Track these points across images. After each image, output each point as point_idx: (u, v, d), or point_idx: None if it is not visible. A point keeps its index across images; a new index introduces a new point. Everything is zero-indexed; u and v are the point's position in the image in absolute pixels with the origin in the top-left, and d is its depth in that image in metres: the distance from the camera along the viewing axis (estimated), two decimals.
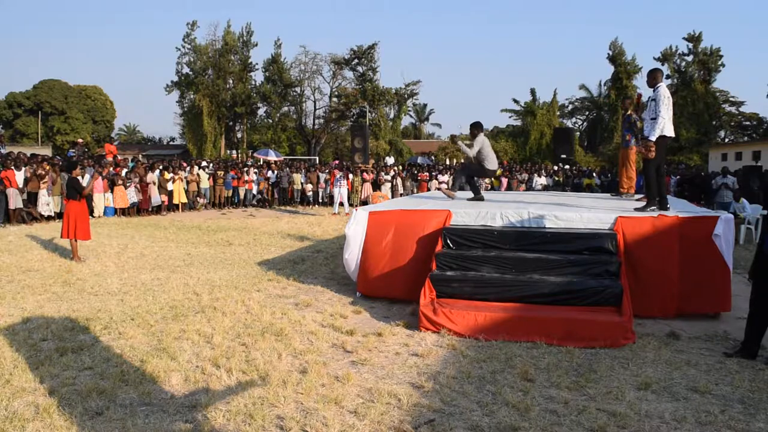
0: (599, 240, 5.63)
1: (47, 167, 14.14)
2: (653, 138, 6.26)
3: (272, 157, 29.91)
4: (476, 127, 8.05)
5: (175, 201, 17.39)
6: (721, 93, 43.00)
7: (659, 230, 5.58)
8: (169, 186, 17.08)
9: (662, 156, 6.55)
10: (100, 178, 14.55)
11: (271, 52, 40.65)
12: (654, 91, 6.39)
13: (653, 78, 6.50)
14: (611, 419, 3.32)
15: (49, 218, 13.77)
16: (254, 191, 20.67)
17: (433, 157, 40.35)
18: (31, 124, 45.49)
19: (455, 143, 7.58)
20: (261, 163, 26.75)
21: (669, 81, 41.03)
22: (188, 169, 18.66)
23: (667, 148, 7.33)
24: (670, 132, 6.36)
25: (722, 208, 12.79)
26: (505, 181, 21.10)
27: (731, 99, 44.47)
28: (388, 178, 20.99)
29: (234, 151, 41.88)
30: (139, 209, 16.04)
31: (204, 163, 21.08)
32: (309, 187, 21.13)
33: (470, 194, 8.38)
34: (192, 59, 38.83)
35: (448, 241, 6.00)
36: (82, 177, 13.28)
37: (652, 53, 64.30)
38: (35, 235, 11.22)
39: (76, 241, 8.55)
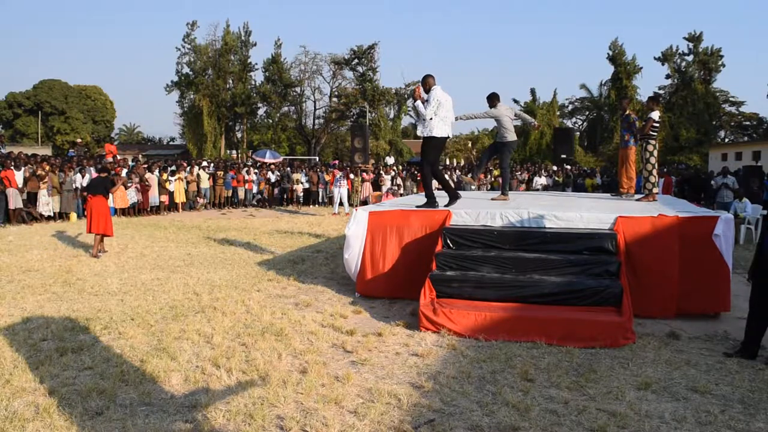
0: (599, 240, 5.63)
1: (47, 167, 14.14)
2: (424, 134, 6.70)
3: (269, 159, 29.83)
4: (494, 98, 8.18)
5: (176, 200, 17.41)
6: (721, 93, 43.02)
7: (659, 230, 5.58)
8: (171, 187, 17.09)
9: (435, 155, 6.91)
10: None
11: (271, 52, 40.75)
12: (429, 93, 6.76)
13: (425, 83, 6.87)
14: (611, 419, 3.32)
15: (49, 218, 13.77)
16: (254, 191, 20.69)
17: None
18: (31, 124, 45.49)
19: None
20: (260, 164, 26.70)
21: (669, 81, 41.18)
22: (188, 169, 18.67)
23: (643, 152, 7.69)
24: (440, 133, 6.72)
25: (722, 208, 12.78)
26: None
27: (731, 99, 44.53)
28: (388, 178, 20.99)
29: (234, 151, 41.88)
30: (138, 209, 16.04)
31: (204, 163, 21.08)
32: (309, 186, 21.14)
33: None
34: (192, 59, 38.84)
35: (448, 241, 6.00)
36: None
37: (652, 53, 64.34)
38: (35, 235, 11.22)
39: (104, 236, 8.86)
